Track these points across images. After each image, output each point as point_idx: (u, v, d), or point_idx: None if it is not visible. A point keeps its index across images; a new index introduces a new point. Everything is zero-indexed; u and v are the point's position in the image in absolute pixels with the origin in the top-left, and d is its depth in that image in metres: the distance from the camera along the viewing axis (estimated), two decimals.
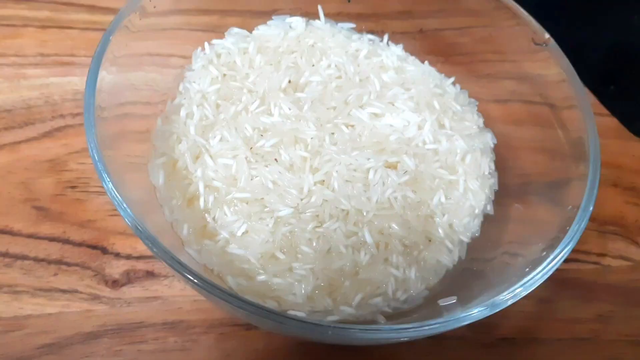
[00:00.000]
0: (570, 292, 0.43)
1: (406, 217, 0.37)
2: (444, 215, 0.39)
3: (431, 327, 0.27)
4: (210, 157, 0.38)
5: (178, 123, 0.40)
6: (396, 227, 0.37)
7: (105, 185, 0.30)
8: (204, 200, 0.36)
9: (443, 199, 0.39)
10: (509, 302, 0.29)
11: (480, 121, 0.45)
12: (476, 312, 0.28)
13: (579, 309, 0.43)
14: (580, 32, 0.68)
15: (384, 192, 0.37)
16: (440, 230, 0.38)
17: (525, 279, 0.30)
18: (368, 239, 0.36)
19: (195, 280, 0.27)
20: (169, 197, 0.36)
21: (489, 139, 0.44)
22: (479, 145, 0.43)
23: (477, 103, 0.46)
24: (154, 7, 0.40)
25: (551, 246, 0.34)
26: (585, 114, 0.39)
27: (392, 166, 0.39)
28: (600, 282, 0.45)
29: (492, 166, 0.44)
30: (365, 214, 0.37)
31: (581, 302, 0.43)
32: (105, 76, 0.35)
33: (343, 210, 0.36)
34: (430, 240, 0.38)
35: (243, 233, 0.35)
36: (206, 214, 0.36)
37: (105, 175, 0.30)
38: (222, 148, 0.38)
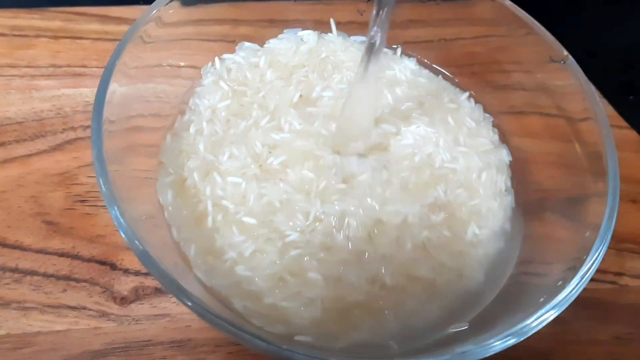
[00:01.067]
0: (586, 312, 0.42)
1: (441, 260, 0.36)
2: (476, 248, 0.38)
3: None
4: (219, 174, 0.37)
5: (187, 140, 0.39)
6: (427, 271, 0.35)
7: (110, 210, 0.29)
8: (212, 219, 0.36)
9: (477, 231, 0.38)
10: (536, 329, 0.29)
11: (496, 137, 0.44)
12: (499, 343, 0.28)
13: (595, 330, 0.42)
14: (598, 39, 0.67)
15: (420, 233, 0.36)
16: (474, 265, 0.37)
17: (548, 306, 0.30)
18: (389, 281, 0.34)
19: (189, 304, 0.26)
20: (177, 215, 0.36)
21: (504, 156, 0.43)
22: (495, 162, 0.42)
23: (492, 119, 0.46)
24: (168, 18, 0.40)
25: (571, 268, 0.33)
26: (602, 127, 0.38)
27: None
28: (618, 302, 0.43)
29: (509, 183, 0.43)
30: (391, 259, 0.35)
31: (597, 324, 0.42)
32: (117, 88, 0.35)
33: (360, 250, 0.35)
34: (460, 275, 0.37)
35: (251, 253, 0.35)
36: (215, 234, 0.36)
37: (110, 198, 0.29)
38: (231, 165, 0.37)
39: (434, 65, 0.49)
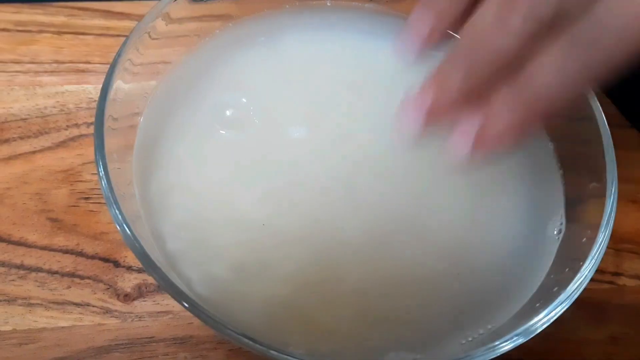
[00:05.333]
0: (582, 312, 0.43)
1: None
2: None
3: None
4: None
5: None
6: None
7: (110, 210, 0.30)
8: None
9: None
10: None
11: None
12: (508, 344, 0.29)
13: (591, 330, 0.42)
14: None
15: None
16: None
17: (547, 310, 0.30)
18: None
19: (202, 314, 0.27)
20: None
21: None
22: None
23: None
24: (176, 14, 0.40)
25: (569, 270, 0.33)
26: (600, 126, 0.38)
27: None
28: (615, 302, 0.44)
29: None
30: None
31: (594, 323, 0.42)
32: (121, 85, 0.35)
33: None
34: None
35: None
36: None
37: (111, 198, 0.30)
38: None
39: None
